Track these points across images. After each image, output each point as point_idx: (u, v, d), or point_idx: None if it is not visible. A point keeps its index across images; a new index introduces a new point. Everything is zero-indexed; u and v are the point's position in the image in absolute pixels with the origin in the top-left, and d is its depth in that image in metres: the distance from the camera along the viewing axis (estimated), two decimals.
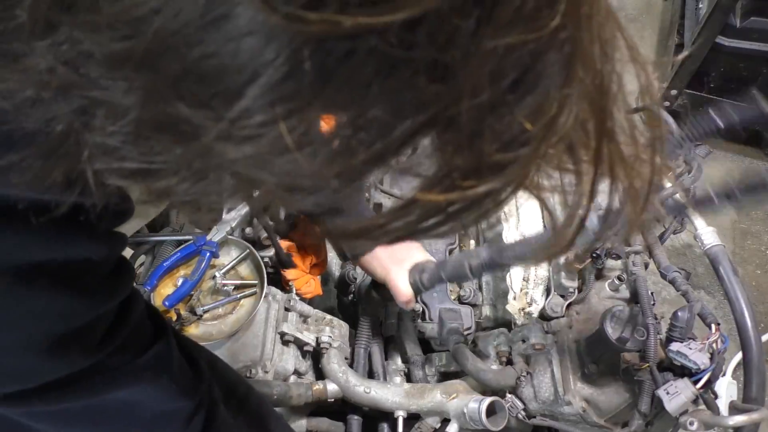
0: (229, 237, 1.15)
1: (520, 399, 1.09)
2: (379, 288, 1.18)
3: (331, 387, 1.11)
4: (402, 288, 1.06)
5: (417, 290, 1.08)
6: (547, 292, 1.17)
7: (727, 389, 1.80)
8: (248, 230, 1.18)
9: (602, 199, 0.35)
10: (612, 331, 0.95)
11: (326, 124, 0.28)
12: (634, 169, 0.33)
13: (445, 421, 1.09)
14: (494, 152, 0.28)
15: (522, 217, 1.26)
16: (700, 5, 2.75)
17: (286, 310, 1.14)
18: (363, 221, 0.34)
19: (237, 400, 0.78)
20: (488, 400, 1.00)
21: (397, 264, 1.07)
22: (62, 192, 0.33)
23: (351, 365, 1.18)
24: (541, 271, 1.18)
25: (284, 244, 1.20)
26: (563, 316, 1.11)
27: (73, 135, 0.30)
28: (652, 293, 1.06)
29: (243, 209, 1.16)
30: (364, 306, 1.24)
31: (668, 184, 1.15)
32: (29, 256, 0.43)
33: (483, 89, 0.26)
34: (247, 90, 0.25)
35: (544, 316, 1.13)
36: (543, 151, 0.29)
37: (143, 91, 0.26)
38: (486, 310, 1.37)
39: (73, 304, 0.48)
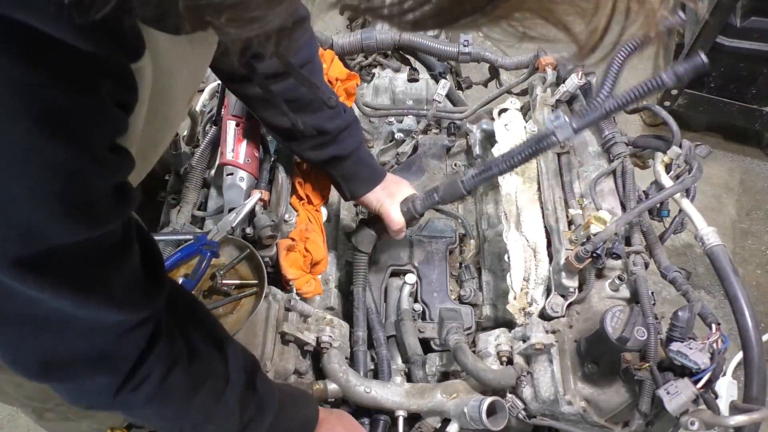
0: (230, 237, 1.15)
1: (521, 399, 1.09)
2: (372, 223, 1.28)
3: (332, 387, 1.11)
4: (394, 217, 1.23)
5: (410, 217, 1.23)
6: (548, 291, 1.16)
7: (727, 389, 1.81)
8: (248, 230, 1.18)
9: None
10: (612, 331, 0.95)
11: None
12: None
13: (446, 421, 1.09)
14: None
15: (522, 218, 1.26)
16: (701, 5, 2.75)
17: (287, 309, 1.14)
18: None
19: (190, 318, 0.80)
20: (489, 399, 1.00)
21: (390, 197, 1.24)
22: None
23: (350, 305, 1.27)
24: (542, 270, 1.18)
25: (284, 243, 1.20)
26: (563, 316, 1.11)
27: None
28: (652, 293, 1.06)
29: (243, 209, 1.17)
30: (358, 241, 1.29)
31: (668, 183, 1.16)
32: (50, 100, 0.46)
33: None
34: None
35: (544, 316, 1.13)
36: None
37: None
38: (486, 310, 1.37)
39: (85, 167, 0.51)
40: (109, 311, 0.63)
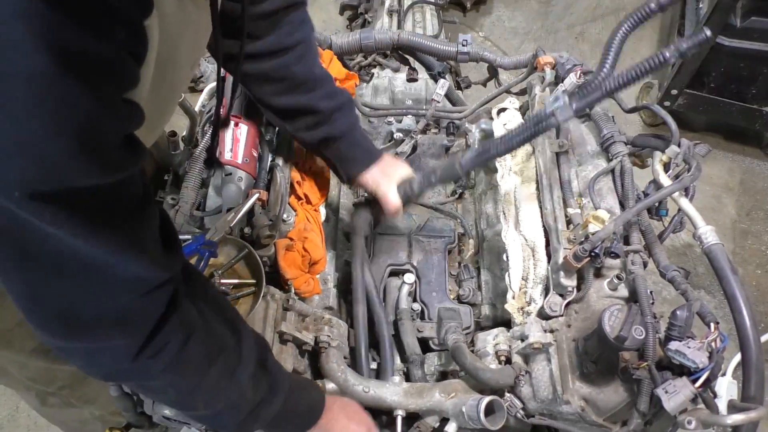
0: (228, 236, 1.15)
1: (519, 398, 1.09)
2: (369, 205, 1.30)
3: (330, 386, 1.11)
4: (391, 198, 1.24)
5: (406, 199, 1.24)
6: (546, 291, 1.16)
7: (727, 389, 1.80)
8: (247, 230, 1.18)
9: None
10: (610, 330, 0.94)
11: None
12: None
13: (444, 420, 1.09)
14: None
15: (520, 217, 1.26)
16: (701, 5, 2.75)
17: (285, 309, 1.14)
18: None
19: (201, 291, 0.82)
20: (487, 399, 1.00)
21: (386, 177, 1.25)
22: None
23: (349, 284, 1.28)
24: (540, 270, 1.18)
25: (283, 242, 1.20)
26: (562, 315, 1.10)
27: None
28: (651, 292, 1.06)
29: (242, 209, 1.17)
30: (354, 224, 1.31)
31: (666, 182, 1.16)
32: (69, 40, 0.48)
33: None
34: None
35: (542, 315, 1.13)
36: None
37: None
38: (485, 310, 1.37)
39: (99, 109, 0.53)
40: (126, 263, 0.64)
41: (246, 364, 0.84)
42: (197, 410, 0.84)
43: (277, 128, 1.34)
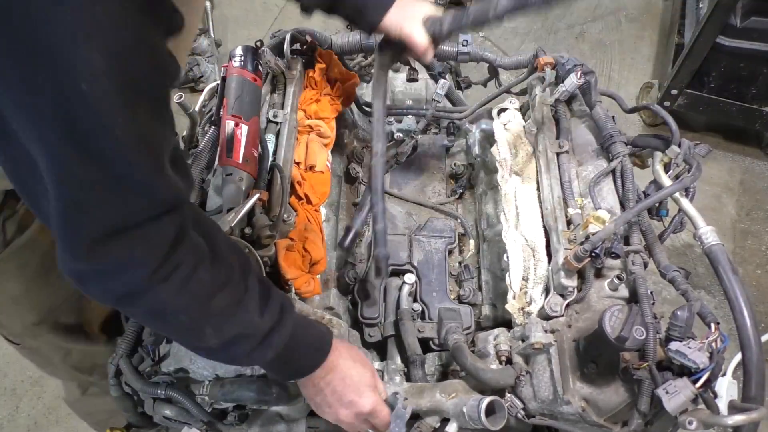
0: (229, 237, 1.15)
1: (520, 398, 1.09)
2: (391, 44, 1.22)
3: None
4: (416, 39, 1.16)
5: (436, 38, 1.17)
6: (547, 291, 1.16)
7: (727, 389, 1.81)
8: (247, 230, 1.18)
9: None
10: (611, 330, 0.95)
11: None
12: None
13: (445, 421, 1.09)
14: None
15: (521, 218, 1.26)
16: (701, 5, 2.75)
17: None
18: None
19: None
20: (488, 399, 1.00)
21: (409, 19, 1.17)
22: None
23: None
24: (541, 270, 1.18)
25: (283, 242, 1.19)
26: (562, 316, 1.11)
27: None
28: (651, 292, 1.06)
29: (242, 209, 1.16)
30: (379, 59, 1.25)
31: (667, 183, 1.16)
32: None
33: None
34: None
35: (543, 316, 1.13)
36: None
37: None
38: (485, 310, 1.38)
39: (149, 10, 0.62)
40: (154, 182, 0.68)
41: (252, 293, 0.86)
42: (207, 341, 0.84)
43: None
